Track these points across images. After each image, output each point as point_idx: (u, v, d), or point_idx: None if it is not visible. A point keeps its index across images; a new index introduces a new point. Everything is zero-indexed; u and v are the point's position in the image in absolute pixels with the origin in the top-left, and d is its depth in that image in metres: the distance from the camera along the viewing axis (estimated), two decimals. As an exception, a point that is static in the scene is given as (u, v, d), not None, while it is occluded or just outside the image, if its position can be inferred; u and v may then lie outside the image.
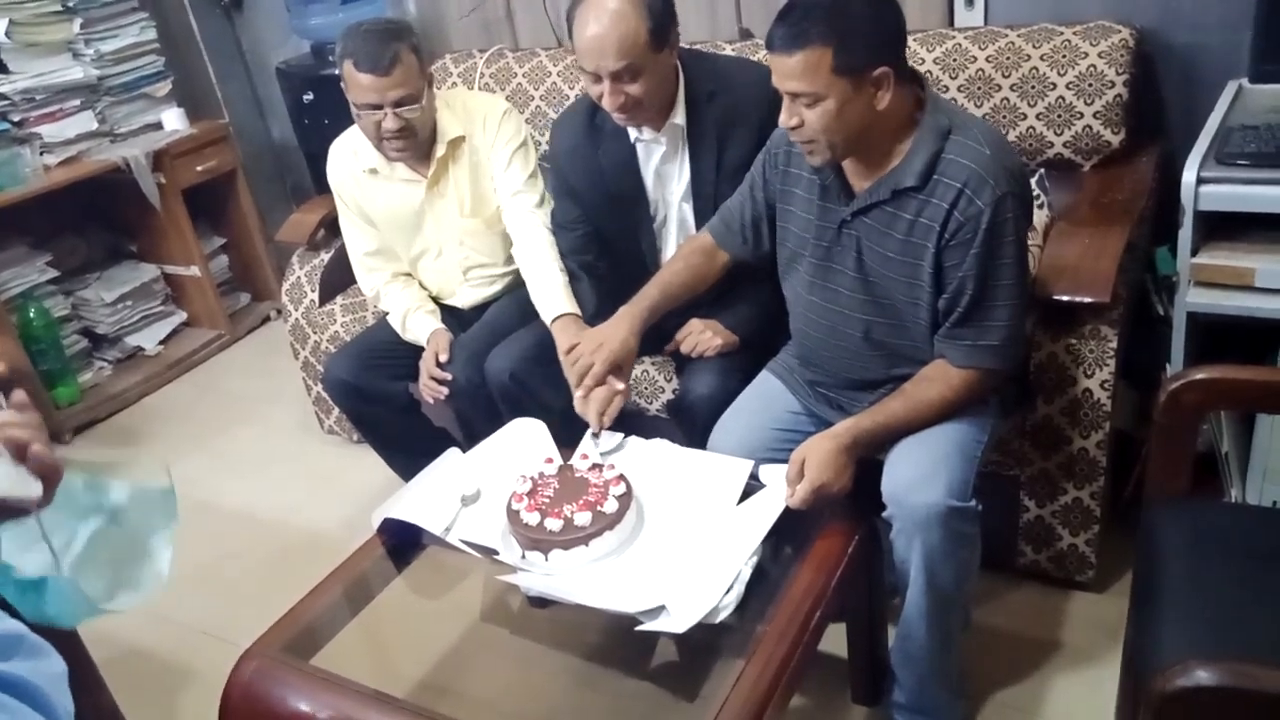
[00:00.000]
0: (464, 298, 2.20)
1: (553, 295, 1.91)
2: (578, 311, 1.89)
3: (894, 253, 1.47)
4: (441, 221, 2.12)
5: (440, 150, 2.04)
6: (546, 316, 1.90)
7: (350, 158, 2.11)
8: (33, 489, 0.89)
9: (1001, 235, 1.40)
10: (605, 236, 1.99)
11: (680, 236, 1.93)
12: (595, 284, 1.96)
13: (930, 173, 1.41)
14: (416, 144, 2.00)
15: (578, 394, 1.64)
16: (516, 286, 2.18)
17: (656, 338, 1.95)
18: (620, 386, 1.64)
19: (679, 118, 1.79)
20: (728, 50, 2.29)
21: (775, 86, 1.41)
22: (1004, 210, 1.39)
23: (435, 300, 2.22)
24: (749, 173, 1.69)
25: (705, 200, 1.83)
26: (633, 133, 1.83)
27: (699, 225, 1.86)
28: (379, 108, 1.91)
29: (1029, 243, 1.78)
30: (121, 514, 1.29)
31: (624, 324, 1.66)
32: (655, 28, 1.66)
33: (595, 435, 1.63)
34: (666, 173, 1.87)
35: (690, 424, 1.79)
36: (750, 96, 1.75)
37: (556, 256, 1.97)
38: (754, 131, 1.74)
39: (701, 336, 1.85)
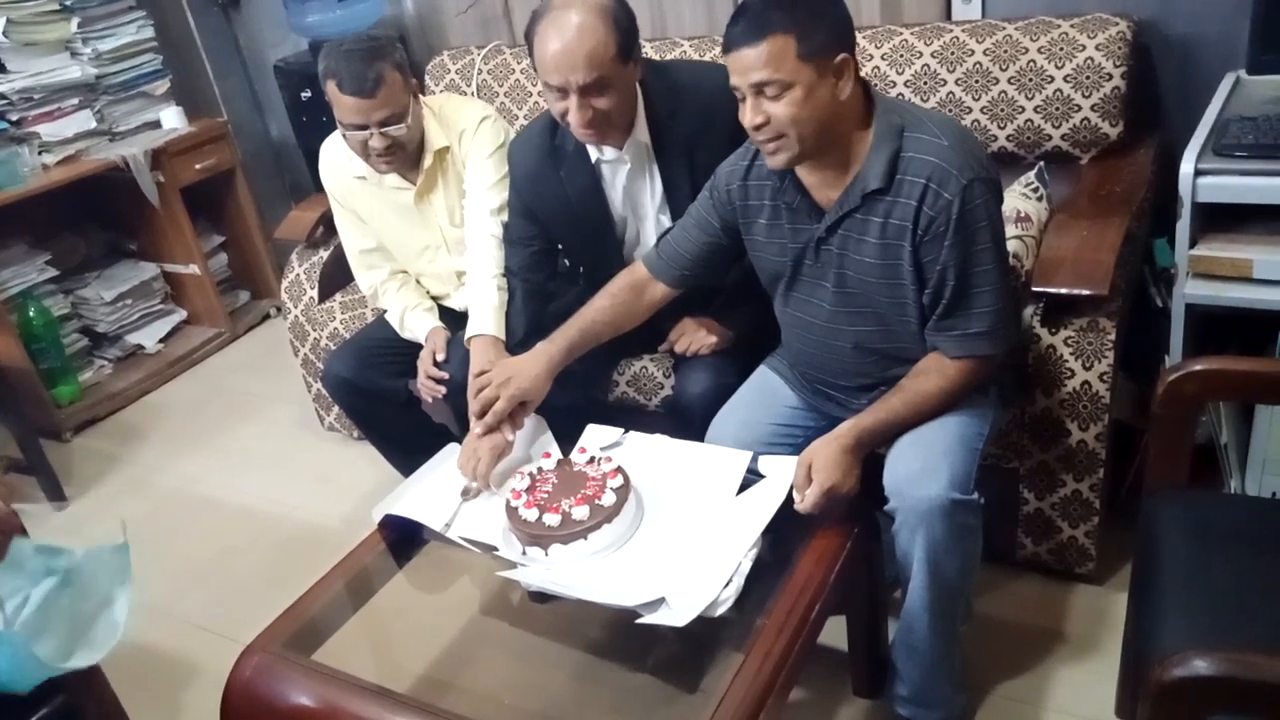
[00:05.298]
0: (458, 300, 2.19)
1: (481, 312, 1.91)
2: (501, 335, 1.89)
3: (872, 258, 1.47)
4: (431, 229, 2.11)
5: (428, 161, 2.03)
6: (468, 332, 1.91)
7: (341, 160, 2.10)
8: None
9: (974, 222, 1.40)
10: (578, 258, 1.97)
11: None
12: (536, 308, 1.93)
13: (893, 173, 1.41)
14: (405, 156, 1.99)
15: (475, 429, 1.62)
16: None
17: (650, 337, 1.95)
18: (510, 437, 1.63)
19: (642, 134, 1.75)
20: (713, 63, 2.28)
21: (736, 85, 1.39)
22: (972, 197, 1.38)
23: (433, 299, 2.22)
24: (692, 207, 1.68)
25: (682, 211, 1.79)
26: (594, 153, 1.79)
27: None
28: (364, 128, 1.89)
29: (1026, 234, 1.79)
30: (75, 575, 1.29)
31: (540, 361, 1.65)
32: (623, 40, 1.62)
33: (464, 494, 1.59)
34: (636, 190, 1.84)
35: (686, 422, 1.77)
36: (717, 102, 1.66)
37: (498, 273, 1.95)
38: (725, 136, 1.66)
39: (695, 335, 1.84)
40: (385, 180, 2.06)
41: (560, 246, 1.99)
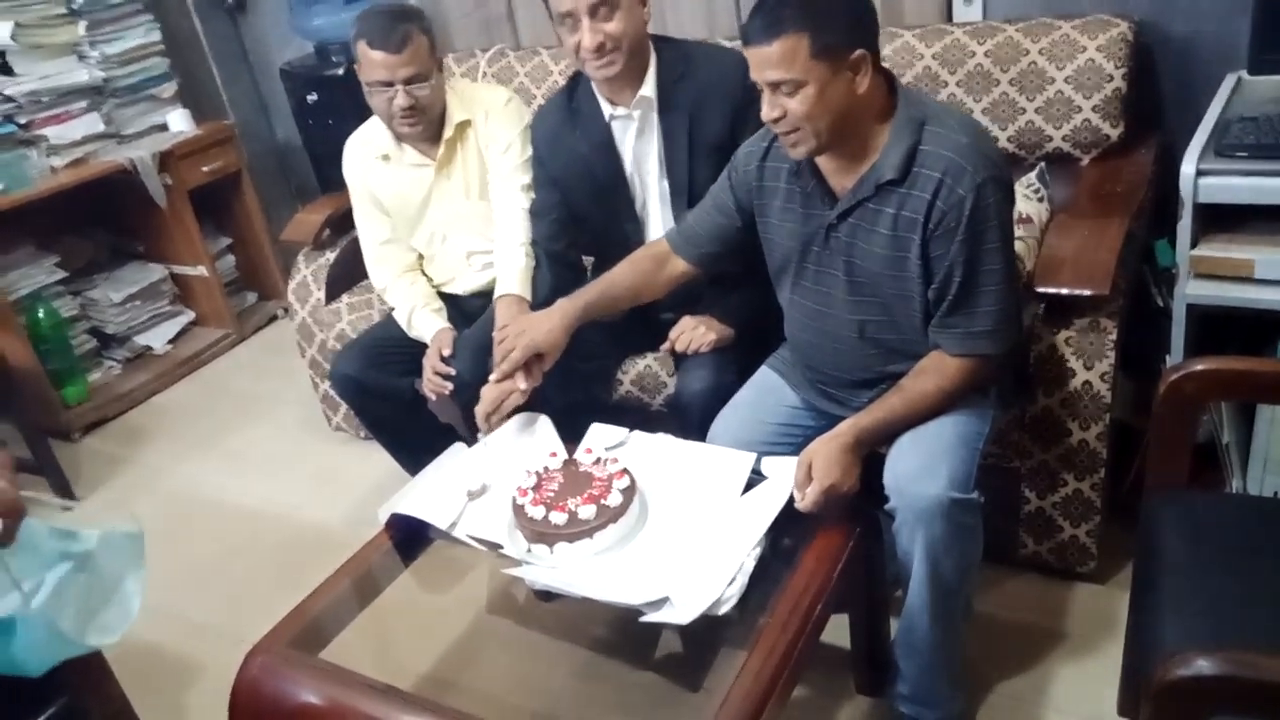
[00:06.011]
0: (465, 283, 2.24)
1: (508, 276, 2.03)
2: (526, 296, 1.99)
3: (881, 249, 1.48)
4: (447, 205, 2.17)
5: (448, 132, 2.09)
6: (495, 293, 2.03)
7: (363, 148, 2.18)
8: None
9: (985, 221, 1.41)
10: (591, 223, 2.02)
11: (663, 214, 1.94)
12: (559, 273, 2.03)
13: (909, 165, 1.42)
14: (427, 122, 2.06)
15: (493, 376, 1.70)
16: None
17: (654, 336, 1.96)
18: (521, 386, 1.67)
19: (649, 90, 1.82)
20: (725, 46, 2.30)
21: (755, 80, 1.42)
22: (986, 196, 1.39)
23: (439, 290, 2.26)
24: (713, 188, 1.70)
25: (678, 176, 1.86)
26: (607, 110, 1.85)
27: (675, 202, 1.88)
28: (390, 85, 1.97)
29: (1028, 235, 1.80)
30: (90, 560, 1.31)
31: (555, 316, 1.69)
32: None
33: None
34: (642, 151, 1.89)
35: (687, 421, 1.79)
36: (721, 78, 1.79)
37: (525, 241, 2.05)
38: (726, 111, 1.77)
39: (695, 333, 1.86)
40: (405, 158, 2.13)
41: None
